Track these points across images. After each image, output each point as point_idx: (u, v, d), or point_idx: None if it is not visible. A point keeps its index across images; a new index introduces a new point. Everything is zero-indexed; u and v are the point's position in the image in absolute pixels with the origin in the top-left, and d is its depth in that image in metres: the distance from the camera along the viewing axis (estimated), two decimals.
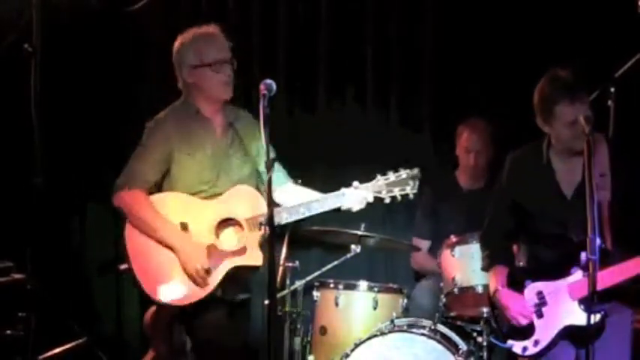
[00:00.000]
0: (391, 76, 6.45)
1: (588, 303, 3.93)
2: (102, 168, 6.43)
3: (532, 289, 4.40)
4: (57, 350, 5.33)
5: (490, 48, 6.13)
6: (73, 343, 5.47)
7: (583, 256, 3.99)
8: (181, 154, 4.56)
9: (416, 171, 4.39)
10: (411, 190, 4.33)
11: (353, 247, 5.52)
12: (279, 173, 4.62)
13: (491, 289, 4.51)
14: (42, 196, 5.01)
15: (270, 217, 3.91)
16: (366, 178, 4.43)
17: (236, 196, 4.50)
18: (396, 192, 4.32)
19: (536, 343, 4.35)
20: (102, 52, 6.46)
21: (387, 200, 4.41)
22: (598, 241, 3.90)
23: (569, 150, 4.36)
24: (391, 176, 4.36)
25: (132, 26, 6.52)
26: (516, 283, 4.45)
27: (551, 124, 4.34)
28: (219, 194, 4.55)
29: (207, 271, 4.37)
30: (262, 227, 4.16)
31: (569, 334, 4.31)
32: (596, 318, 4.11)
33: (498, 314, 4.48)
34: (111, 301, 6.42)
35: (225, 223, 4.45)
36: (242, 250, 4.36)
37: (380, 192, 4.35)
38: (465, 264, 5.20)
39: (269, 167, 3.95)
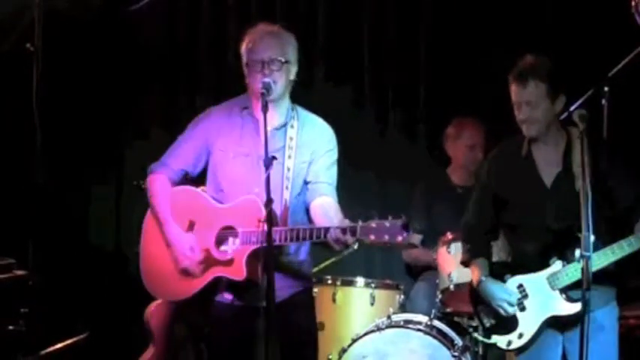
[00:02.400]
0: (388, 75, 6.51)
1: (582, 299, 3.97)
2: (103, 166, 6.50)
3: (512, 282, 4.40)
4: (58, 346, 5.35)
5: (485, 48, 6.18)
6: (74, 339, 5.50)
7: (577, 253, 4.04)
8: (215, 150, 4.37)
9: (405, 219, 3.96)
10: (402, 239, 3.88)
11: None
12: (323, 185, 4.33)
13: (474, 281, 4.49)
14: (43, 193, 5.05)
15: (269, 217, 3.92)
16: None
17: (245, 204, 4.24)
18: (387, 239, 3.92)
19: (520, 336, 4.36)
20: (103, 52, 6.49)
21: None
22: (592, 237, 3.94)
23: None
24: (385, 222, 3.94)
25: (133, 25, 6.56)
26: (496, 278, 4.44)
27: None
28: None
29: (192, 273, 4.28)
30: (260, 224, 4.11)
31: (554, 323, 4.33)
32: (577, 307, 4.14)
33: (482, 308, 4.48)
34: (112, 297, 6.46)
35: (228, 230, 4.28)
36: (229, 262, 4.22)
37: (367, 236, 3.97)
38: None
39: (267, 166, 3.96)
